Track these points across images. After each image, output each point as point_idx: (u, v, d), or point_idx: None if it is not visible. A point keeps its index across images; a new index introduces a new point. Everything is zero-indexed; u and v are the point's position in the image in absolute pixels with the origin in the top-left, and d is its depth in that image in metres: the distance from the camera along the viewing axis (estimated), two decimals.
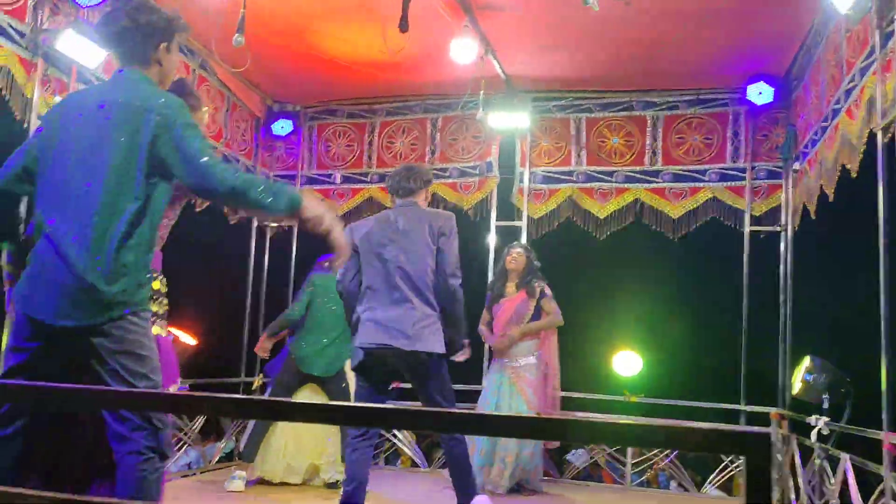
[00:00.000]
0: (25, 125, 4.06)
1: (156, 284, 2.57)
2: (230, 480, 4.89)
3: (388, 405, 3.32)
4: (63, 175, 2.15)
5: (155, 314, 2.50)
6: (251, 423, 5.13)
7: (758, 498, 0.90)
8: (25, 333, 2.13)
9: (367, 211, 6.35)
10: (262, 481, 5.07)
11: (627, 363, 6.23)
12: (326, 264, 5.13)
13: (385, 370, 3.48)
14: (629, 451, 5.62)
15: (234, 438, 6.12)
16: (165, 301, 2.65)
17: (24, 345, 2.14)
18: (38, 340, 2.12)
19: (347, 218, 6.40)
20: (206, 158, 2.11)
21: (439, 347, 3.36)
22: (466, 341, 3.68)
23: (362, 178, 6.57)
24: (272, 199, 2.09)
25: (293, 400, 4.95)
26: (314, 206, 2.17)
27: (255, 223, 6.66)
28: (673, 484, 5.78)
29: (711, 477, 5.52)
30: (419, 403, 3.60)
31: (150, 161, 2.13)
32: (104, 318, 2.08)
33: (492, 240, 6.30)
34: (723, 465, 5.46)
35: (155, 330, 2.48)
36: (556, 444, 5.40)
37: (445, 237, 3.44)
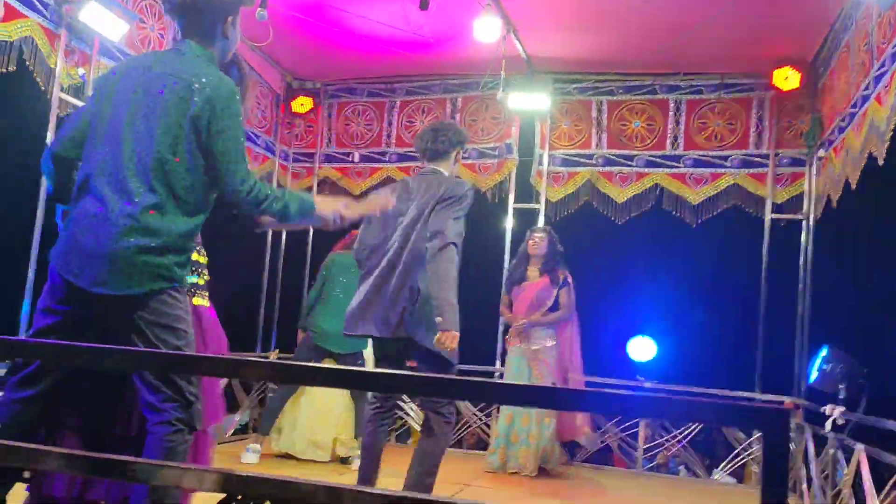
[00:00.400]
0: (49, 96, 4.09)
1: (196, 256, 2.57)
2: (245, 453, 4.94)
3: (392, 371, 3.23)
4: (114, 141, 2.13)
5: (195, 285, 2.52)
6: (273, 399, 5.19)
7: (774, 475, 0.90)
8: (59, 296, 2.12)
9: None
10: (287, 456, 5.13)
11: (642, 348, 6.21)
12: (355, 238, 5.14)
13: (386, 356, 3.28)
14: (641, 435, 5.62)
15: (249, 412, 6.18)
16: (206, 272, 2.66)
17: (56, 307, 2.13)
18: (71, 304, 2.11)
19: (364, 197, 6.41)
20: (234, 165, 2.12)
21: (419, 335, 3.01)
22: (444, 324, 2.97)
23: (381, 158, 6.56)
24: (284, 206, 2.17)
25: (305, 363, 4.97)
26: (326, 206, 2.29)
27: None
28: (683, 469, 5.79)
29: (723, 464, 5.51)
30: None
31: (196, 140, 2.13)
32: (145, 290, 2.08)
33: (509, 222, 6.28)
34: (734, 452, 5.45)
35: (197, 301, 2.50)
36: (588, 437, 5.40)
37: (447, 201, 3.06)
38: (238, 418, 6.32)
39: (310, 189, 6.77)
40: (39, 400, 2.13)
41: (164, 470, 1.09)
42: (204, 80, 2.14)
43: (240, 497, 1.03)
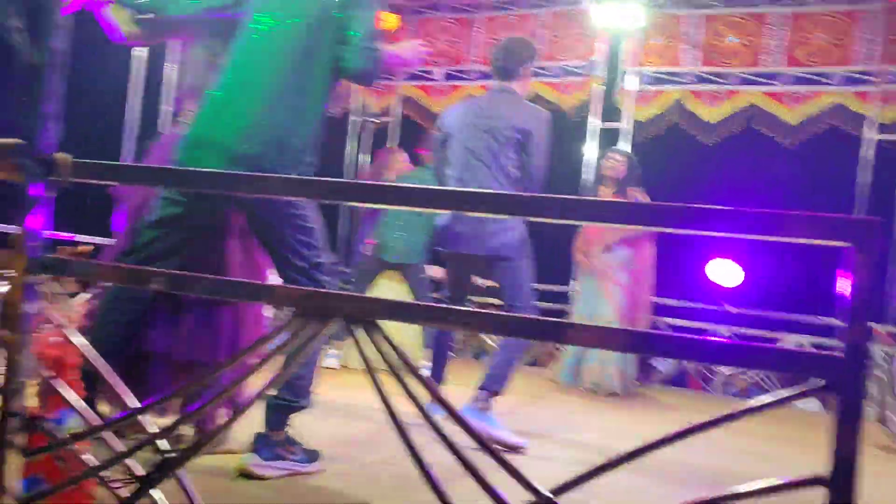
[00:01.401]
0: None
1: None
2: (325, 358, 5.11)
3: None
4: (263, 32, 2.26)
5: None
6: None
7: (864, 295, 0.85)
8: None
9: None
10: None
11: (727, 272, 6.01)
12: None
13: (466, 268, 3.43)
14: None
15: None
16: None
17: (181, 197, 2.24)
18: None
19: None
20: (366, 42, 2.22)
21: (508, 247, 3.18)
22: None
23: (464, 76, 6.48)
24: (372, 66, 2.25)
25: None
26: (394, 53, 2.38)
27: (351, 118, 6.74)
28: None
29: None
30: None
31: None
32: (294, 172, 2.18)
33: (592, 143, 6.13)
34: None
35: None
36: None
37: (533, 139, 3.15)
38: None
39: (387, 110, 6.77)
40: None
41: (243, 286, 1.13)
42: None
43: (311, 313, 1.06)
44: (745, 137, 5.68)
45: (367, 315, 1.04)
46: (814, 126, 5.45)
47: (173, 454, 1.11)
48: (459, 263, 3.42)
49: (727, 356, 0.89)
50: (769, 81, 5.58)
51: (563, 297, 5.79)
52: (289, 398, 2.22)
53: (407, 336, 5.23)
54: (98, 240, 4.53)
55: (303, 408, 2.28)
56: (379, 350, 1.03)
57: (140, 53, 5.67)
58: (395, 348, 1.03)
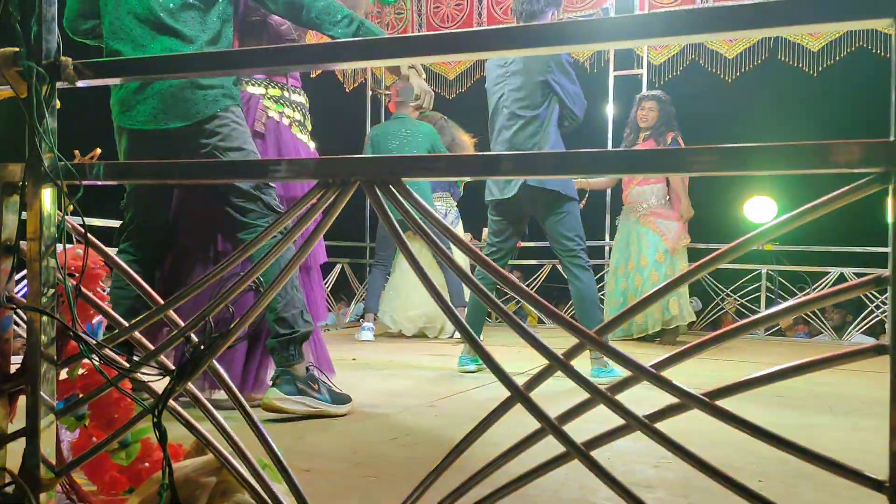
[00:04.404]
0: None
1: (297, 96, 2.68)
2: (360, 331, 5.10)
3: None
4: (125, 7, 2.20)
5: (300, 122, 2.64)
6: (371, 281, 5.35)
7: None
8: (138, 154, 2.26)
9: (479, 71, 6.22)
10: (400, 334, 5.31)
11: (761, 209, 5.85)
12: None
13: (519, 213, 3.41)
14: (762, 300, 5.39)
15: (363, 302, 6.39)
16: (309, 116, 2.74)
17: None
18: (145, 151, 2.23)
19: (460, 80, 6.30)
20: None
21: (568, 186, 3.30)
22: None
23: None
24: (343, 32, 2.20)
25: None
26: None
27: (369, 92, 6.69)
28: (807, 336, 5.53)
29: (855, 323, 5.22)
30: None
31: None
32: (203, 116, 2.19)
33: (609, 91, 6.02)
34: (867, 310, 5.14)
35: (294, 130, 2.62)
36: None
37: (553, 73, 3.20)
38: (352, 309, 6.54)
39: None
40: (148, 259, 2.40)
41: (256, 165, 1.08)
42: None
43: (330, 181, 1.02)
44: (768, 69, 5.52)
45: (388, 174, 0.99)
46: (839, 50, 5.29)
47: (203, 346, 1.08)
48: (512, 211, 3.39)
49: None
50: None
51: (602, 251, 5.73)
52: (285, 332, 2.21)
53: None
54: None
55: (304, 335, 2.25)
56: (404, 210, 0.98)
57: None
58: (419, 204, 0.98)
